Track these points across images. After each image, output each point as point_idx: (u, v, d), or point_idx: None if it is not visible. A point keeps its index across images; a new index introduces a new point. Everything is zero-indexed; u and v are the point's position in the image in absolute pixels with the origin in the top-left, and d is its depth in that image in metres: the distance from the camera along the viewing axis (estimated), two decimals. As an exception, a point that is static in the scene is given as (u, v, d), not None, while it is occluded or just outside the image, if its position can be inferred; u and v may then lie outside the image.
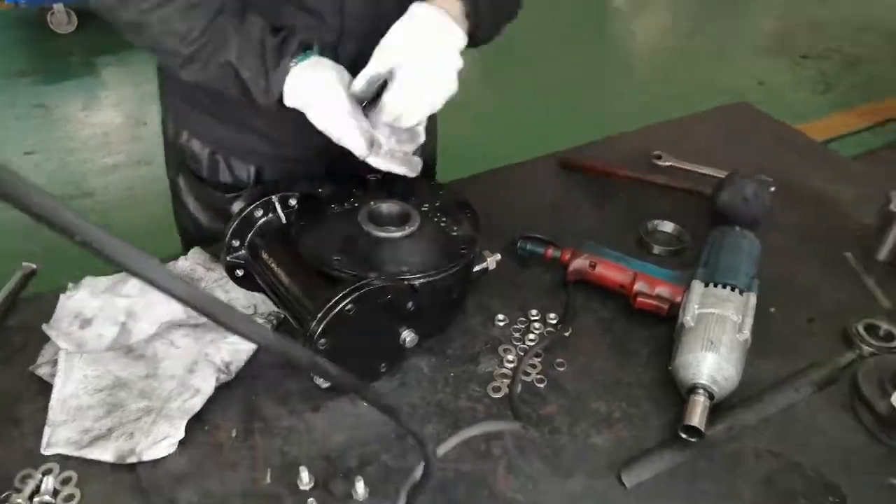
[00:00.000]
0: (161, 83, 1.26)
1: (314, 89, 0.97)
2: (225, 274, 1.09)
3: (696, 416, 0.88)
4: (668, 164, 1.45)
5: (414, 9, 0.95)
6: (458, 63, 0.96)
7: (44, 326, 1.01)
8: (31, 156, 3.41)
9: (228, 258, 1.03)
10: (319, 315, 0.85)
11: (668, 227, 1.27)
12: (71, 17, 4.43)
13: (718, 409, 0.93)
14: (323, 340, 0.86)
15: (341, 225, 1.00)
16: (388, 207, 1.04)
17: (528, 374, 0.99)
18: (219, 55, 0.95)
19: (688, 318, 0.96)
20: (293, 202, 1.04)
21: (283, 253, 1.00)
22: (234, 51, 0.95)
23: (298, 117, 0.98)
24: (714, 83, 4.10)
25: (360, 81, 0.96)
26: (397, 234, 0.99)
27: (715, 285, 1.01)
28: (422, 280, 0.94)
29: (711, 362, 0.91)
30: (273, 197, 1.03)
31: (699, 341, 0.93)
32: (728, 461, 0.89)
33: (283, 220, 1.03)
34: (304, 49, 0.98)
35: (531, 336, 1.05)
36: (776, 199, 1.26)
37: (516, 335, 1.05)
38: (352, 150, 0.97)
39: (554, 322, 1.07)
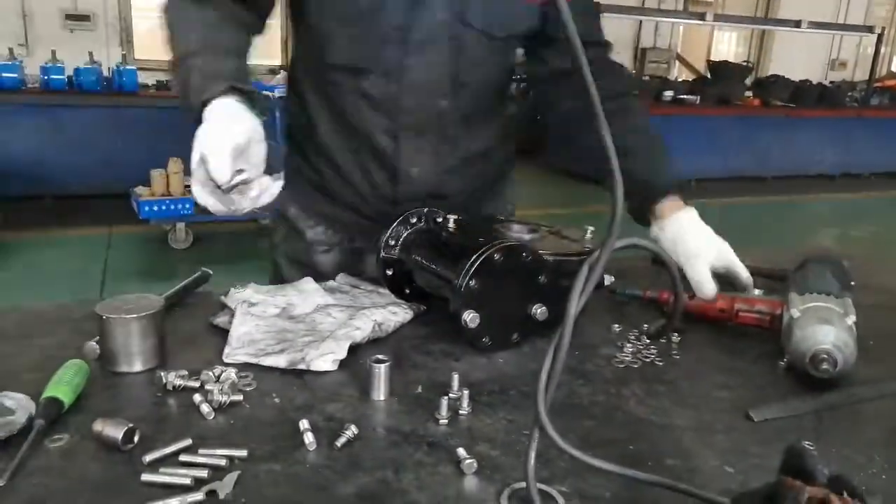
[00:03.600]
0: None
1: (226, 113, 1.03)
2: (367, 289, 1.27)
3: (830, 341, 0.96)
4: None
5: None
6: None
7: (222, 298, 1.18)
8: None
9: (384, 254, 1.21)
10: (474, 257, 1.02)
11: (757, 292, 1.40)
12: (188, 236, 5.09)
13: (839, 382, 0.99)
14: (474, 281, 1.01)
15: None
16: (518, 227, 1.24)
17: (647, 358, 1.08)
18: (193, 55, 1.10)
19: (794, 311, 1.07)
20: (439, 219, 1.25)
21: (434, 245, 1.19)
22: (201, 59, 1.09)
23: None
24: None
25: None
26: (527, 237, 1.18)
27: (810, 293, 1.12)
28: (552, 258, 1.10)
29: (830, 331, 1.00)
30: (425, 210, 1.24)
31: (813, 320, 1.03)
32: (851, 415, 0.94)
33: (430, 227, 1.23)
34: (251, 97, 1.09)
35: (645, 340, 1.15)
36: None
37: (631, 338, 1.16)
38: (212, 172, 0.99)
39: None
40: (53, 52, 6.15)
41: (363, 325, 1.05)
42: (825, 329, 1.00)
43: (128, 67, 6.19)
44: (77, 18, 7.66)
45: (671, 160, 1.33)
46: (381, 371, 0.91)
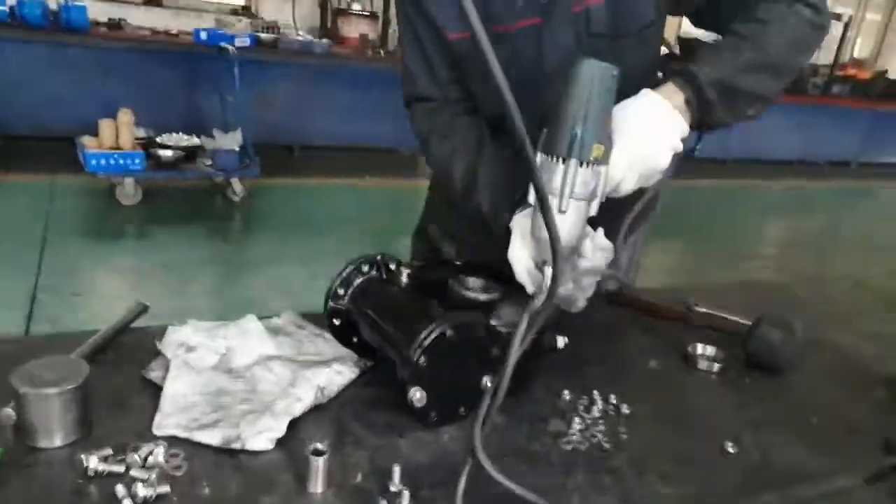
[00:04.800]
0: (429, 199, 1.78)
1: (517, 235, 1.18)
2: (312, 332, 1.22)
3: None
4: (702, 310, 1.60)
5: (640, 94, 1.15)
6: (675, 143, 1.14)
7: (157, 343, 1.12)
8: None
9: (331, 304, 1.16)
10: (424, 333, 0.97)
11: (709, 350, 1.39)
12: (137, 191, 4.89)
13: (771, 484, 0.99)
14: (423, 358, 0.97)
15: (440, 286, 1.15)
16: (473, 281, 1.19)
17: (594, 437, 1.07)
18: (473, 197, 1.36)
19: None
20: (393, 266, 1.20)
21: (384, 300, 1.14)
22: (484, 196, 1.34)
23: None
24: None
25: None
26: (482, 297, 1.13)
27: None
28: (506, 331, 1.06)
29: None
30: (378, 257, 1.19)
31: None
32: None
33: (384, 276, 1.18)
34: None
35: (595, 411, 1.13)
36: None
37: (581, 408, 1.14)
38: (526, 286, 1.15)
39: (615, 402, 1.16)
40: (-4, -19, 5.73)
41: (304, 396, 1.00)
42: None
43: (76, 3, 5.83)
44: (24, -58, 7.14)
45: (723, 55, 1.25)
46: (319, 464, 0.86)
